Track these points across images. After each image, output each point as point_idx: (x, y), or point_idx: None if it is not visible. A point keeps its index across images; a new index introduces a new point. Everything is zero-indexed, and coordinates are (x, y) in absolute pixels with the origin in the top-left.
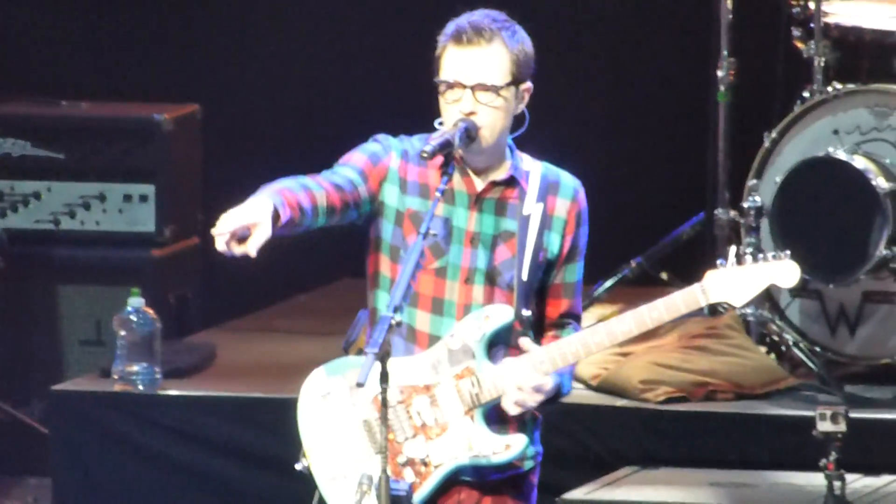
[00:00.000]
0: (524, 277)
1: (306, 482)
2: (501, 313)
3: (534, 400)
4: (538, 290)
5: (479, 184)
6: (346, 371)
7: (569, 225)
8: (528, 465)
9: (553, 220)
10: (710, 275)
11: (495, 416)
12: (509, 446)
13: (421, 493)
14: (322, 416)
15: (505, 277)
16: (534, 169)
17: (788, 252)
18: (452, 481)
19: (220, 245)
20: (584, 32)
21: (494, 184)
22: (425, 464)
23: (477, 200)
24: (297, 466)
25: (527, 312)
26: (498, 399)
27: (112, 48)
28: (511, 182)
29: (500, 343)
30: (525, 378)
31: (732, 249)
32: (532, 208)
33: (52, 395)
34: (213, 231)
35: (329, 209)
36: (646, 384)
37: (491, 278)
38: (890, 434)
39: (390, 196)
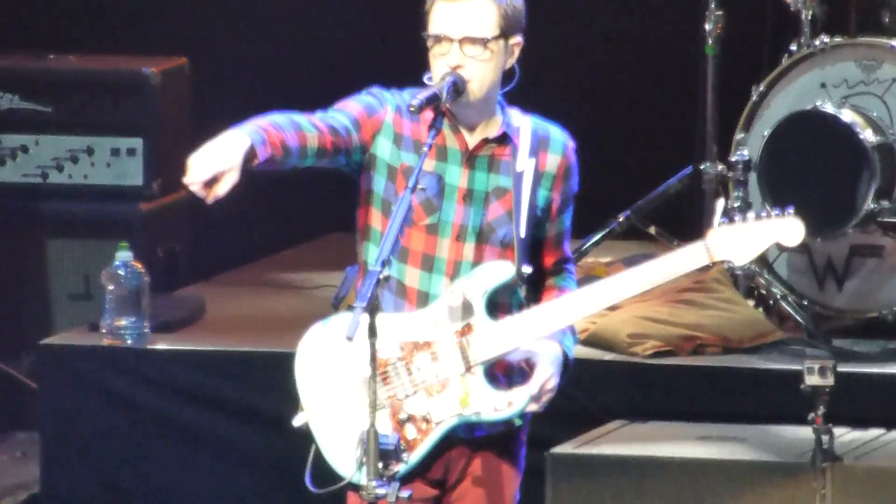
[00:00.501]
0: (522, 234)
1: (297, 436)
2: (503, 270)
3: (550, 393)
4: (533, 245)
5: (472, 140)
6: (345, 327)
7: (557, 180)
8: (518, 422)
9: (543, 176)
10: (713, 232)
11: (496, 373)
12: (511, 403)
13: (422, 449)
14: (320, 373)
15: (498, 234)
16: (524, 124)
17: (792, 209)
18: (452, 437)
19: (196, 189)
20: None
21: (486, 141)
22: (426, 420)
23: (469, 157)
24: (295, 422)
25: (527, 269)
26: (499, 355)
27: (100, 1)
28: (503, 139)
29: (500, 299)
30: (535, 384)
31: (723, 205)
32: (525, 164)
33: (41, 349)
34: (185, 180)
35: (319, 150)
36: (633, 338)
37: (483, 235)
38: (877, 388)
39: (383, 149)
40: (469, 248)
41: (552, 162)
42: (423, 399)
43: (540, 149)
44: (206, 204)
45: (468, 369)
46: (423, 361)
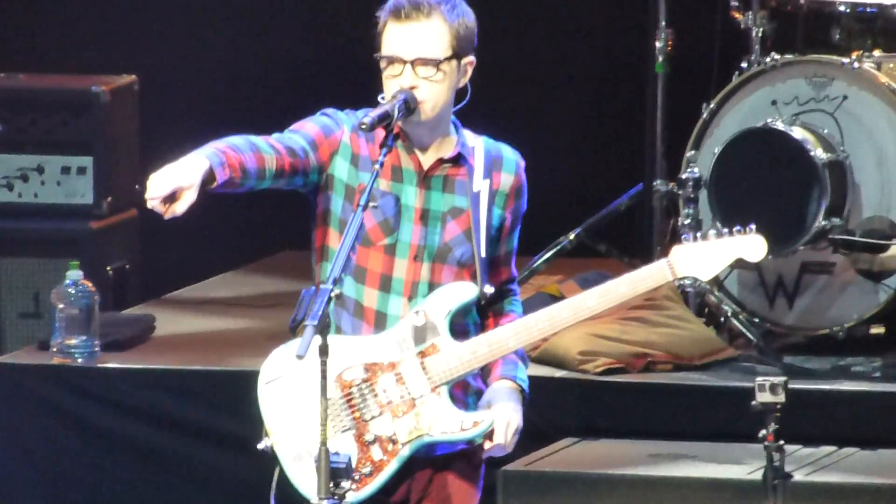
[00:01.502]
0: (483, 254)
1: (253, 457)
2: (466, 290)
3: (516, 435)
4: (489, 264)
5: (426, 160)
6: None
7: (510, 198)
8: (479, 440)
9: (497, 195)
10: (676, 249)
11: (459, 393)
12: (477, 423)
13: (389, 470)
14: (284, 397)
15: (455, 254)
16: (477, 144)
17: (754, 226)
18: (416, 457)
19: (150, 205)
20: (522, 4)
21: (442, 161)
22: (393, 441)
23: (425, 178)
24: (260, 446)
25: (489, 289)
26: (462, 375)
27: (49, 19)
28: (458, 159)
29: (462, 320)
30: (499, 433)
31: (677, 224)
32: (480, 185)
33: None
34: (145, 195)
35: (277, 172)
36: (585, 355)
37: (440, 255)
38: (829, 405)
39: (341, 170)
40: (426, 269)
41: (505, 181)
42: (389, 420)
43: (493, 169)
44: (160, 220)
45: (433, 390)
46: (388, 383)
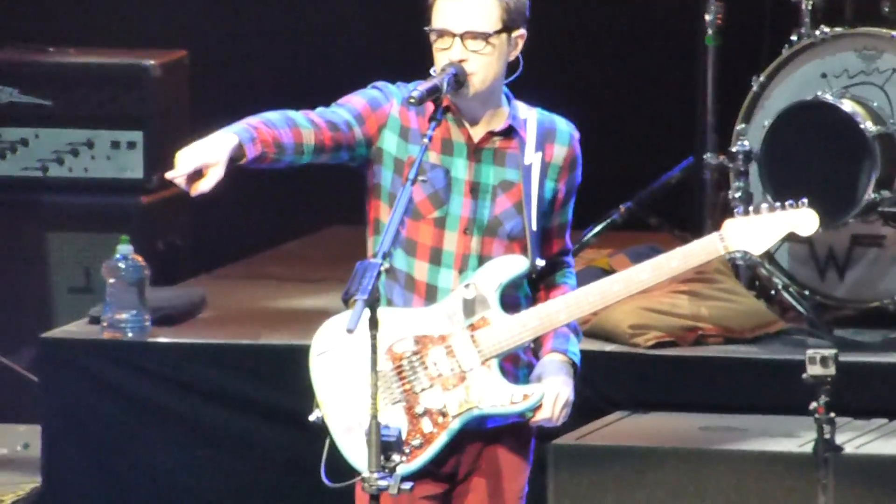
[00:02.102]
0: (534, 227)
1: (301, 428)
2: (517, 263)
3: (567, 408)
4: (541, 237)
5: (477, 134)
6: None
7: (563, 171)
8: (529, 414)
9: (550, 167)
10: (728, 223)
11: (509, 366)
12: (527, 396)
13: (439, 443)
14: (335, 369)
15: (505, 227)
16: (530, 117)
17: (805, 200)
18: (466, 430)
19: (180, 182)
20: None
21: (492, 133)
22: (443, 414)
23: (475, 150)
24: (311, 417)
25: (540, 262)
26: (513, 349)
27: None
28: (509, 132)
29: (513, 293)
30: (547, 407)
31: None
32: (532, 157)
33: (42, 343)
34: (168, 174)
35: (317, 147)
36: (635, 329)
37: (490, 229)
38: (879, 377)
39: (390, 143)
40: (476, 242)
41: (559, 153)
42: (440, 393)
43: (546, 141)
44: (210, 194)
45: (483, 363)
46: (438, 355)
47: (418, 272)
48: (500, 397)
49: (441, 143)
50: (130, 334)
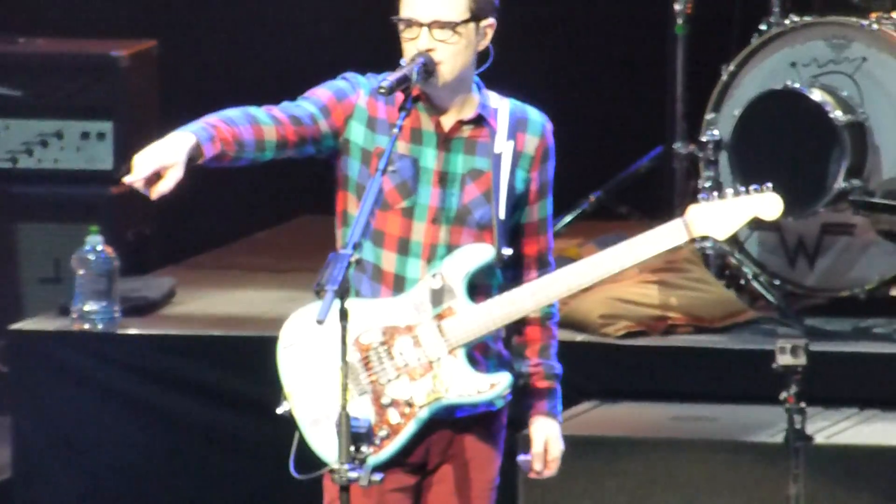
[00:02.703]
0: (501, 216)
1: (270, 419)
2: (483, 252)
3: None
4: (512, 229)
5: (447, 123)
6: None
7: (535, 161)
8: (500, 403)
9: (521, 157)
10: (692, 209)
11: (475, 354)
12: (494, 385)
13: (405, 433)
14: (302, 360)
15: (474, 216)
16: (501, 106)
17: (770, 185)
18: (434, 420)
19: (139, 186)
20: None
21: (462, 123)
22: (409, 404)
23: (445, 140)
24: (279, 410)
25: (507, 251)
26: (480, 337)
27: None
28: (479, 121)
29: (480, 282)
30: (538, 461)
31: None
32: (503, 146)
33: (11, 334)
34: (126, 178)
35: (279, 143)
36: (605, 319)
37: (459, 217)
38: (850, 366)
39: (356, 134)
40: (445, 231)
41: (531, 143)
42: (406, 383)
43: (518, 130)
44: (180, 185)
45: (450, 352)
46: (404, 346)
47: (386, 263)
48: (466, 386)
49: (410, 132)
50: (100, 325)
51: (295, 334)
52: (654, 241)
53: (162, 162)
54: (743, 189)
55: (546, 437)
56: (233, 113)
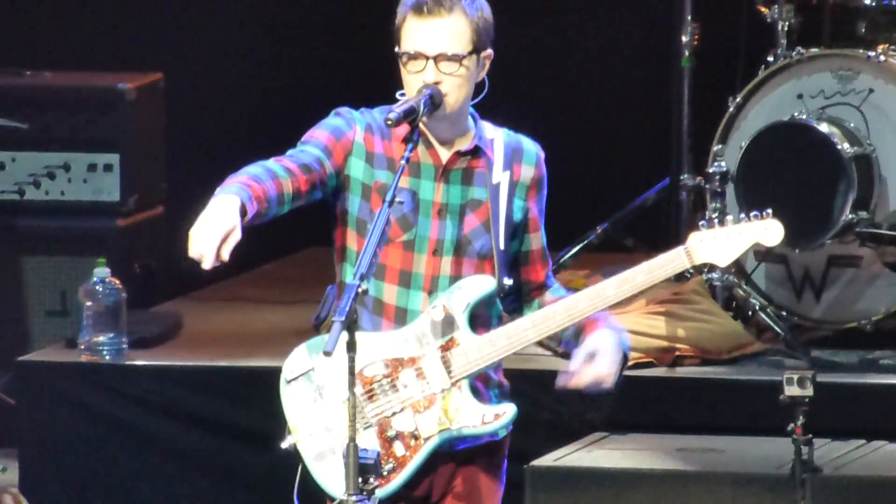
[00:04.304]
0: (501, 246)
1: (276, 452)
2: (484, 283)
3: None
4: (511, 258)
5: (445, 155)
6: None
7: (532, 189)
8: (503, 433)
9: (518, 186)
10: (693, 236)
11: (480, 386)
12: (499, 415)
13: (412, 466)
14: (306, 395)
15: (475, 247)
16: (497, 136)
17: (770, 210)
18: (438, 452)
19: (207, 266)
20: None
21: (460, 154)
22: (415, 437)
23: (444, 172)
24: (283, 445)
25: (508, 281)
26: (483, 368)
27: (75, 17)
28: (476, 152)
29: (479, 312)
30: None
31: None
32: (500, 176)
33: (18, 366)
34: (192, 254)
35: (295, 195)
36: None
37: (460, 248)
38: (857, 398)
39: (356, 169)
40: (447, 262)
41: (526, 172)
42: (411, 415)
43: (514, 160)
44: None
45: (454, 384)
46: (408, 378)
47: (387, 296)
48: (471, 417)
49: (409, 166)
50: (108, 357)
51: (298, 368)
52: (656, 269)
53: (224, 232)
54: (744, 216)
55: (597, 345)
56: (255, 170)
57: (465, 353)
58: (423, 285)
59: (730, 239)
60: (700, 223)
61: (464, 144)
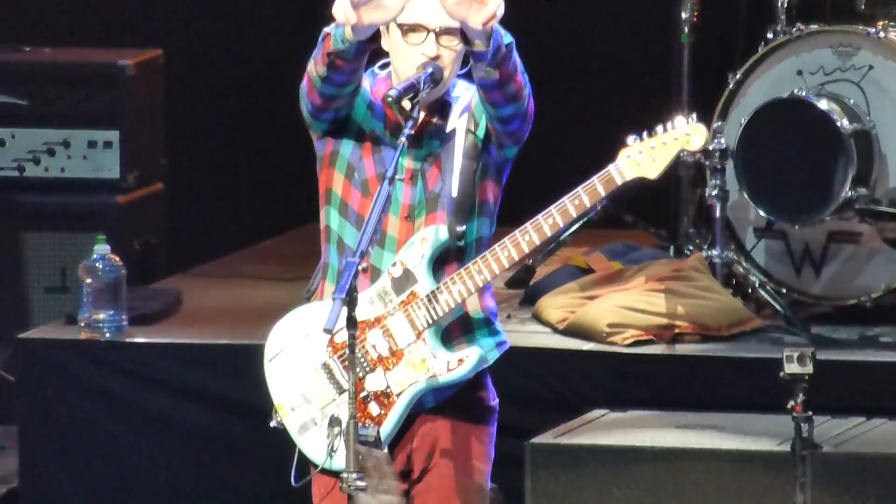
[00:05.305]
0: (454, 193)
1: (276, 432)
2: (436, 233)
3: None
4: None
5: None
6: (303, 321)
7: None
8: (493, 356)
9: (475, 111)
10: (622, 153)
11: (447, 335)
12: (462, 360)
13: (388, 424)
14: (285, 370)
15: (442, 200)
16: (465, 94)
17: (694, 114)
18: (415, 413)
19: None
20: None
21: (429, 118)
22: (387, 395)
23: (417, 138)
24: (272, 424)
25: (460, 228)
26: (446, 316)
27: None
28: (442, 108)
29: (449, 263)
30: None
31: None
32: (455, 122)
33: (18, 343)
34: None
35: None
36: (613, 327)
37: (430, 206)
38: (857, 375)
39: (358, 112)
40: (419, 224)
41: (475, 97)
42: (382, 374)
43: (464, 101)
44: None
45: (418, 336)
46: (376, 338)
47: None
48: (437, 367)
49: (394, 126)
50: (108, 334)
51: (278, 346)
52: (591, 191)
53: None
54: (670, 124)
55: None
56: None
57: (425, 304)
58: (395, 249)
59: (655, 150)
60: (628, 138)
61: (434, 107)
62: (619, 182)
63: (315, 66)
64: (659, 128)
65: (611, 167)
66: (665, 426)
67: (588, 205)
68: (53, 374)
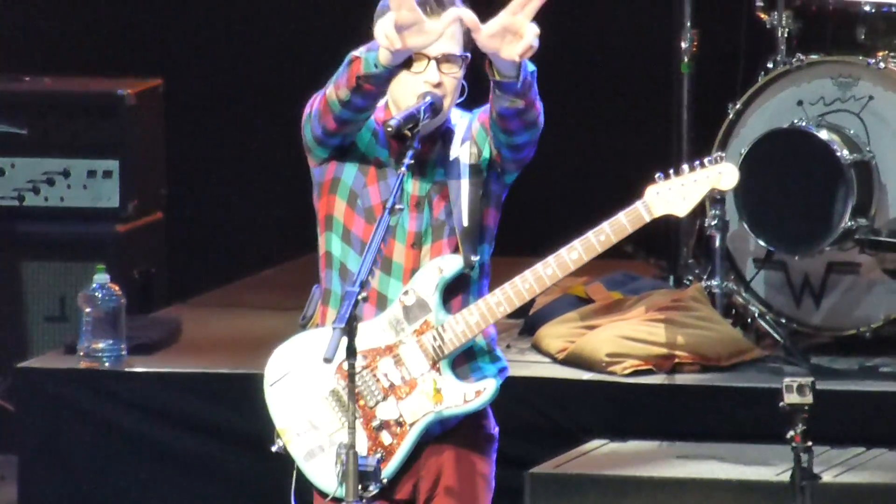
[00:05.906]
0: (465, 222)
1: (277, 459)
2: (451, 262)
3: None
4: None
5: (422, 149)
6: (306, 347)
7: (487, 129)
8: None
9: (477, 136)
10: (650, 189)
11: (460, 366)
12: (480, 392)
13: (400, 453)
14: (289, 395)
15: (447, 228)
16: (461, 121)
17: (723, 154)
18: (423, 443)
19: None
20: (547, 3)
21: (430, 145)
22: (400, 424)
23: (420, 165)
24: (273, 448)
25: (475, 257)
26: (460, 347)
27: (74, 22)
28: (444, 135)
29: (458, 293)
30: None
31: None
32: (458, 150)
33: (17, 372)
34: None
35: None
36: (612, 357)
37: (434, 234)
38: (856, 405)
39: (362, 139)
40: (426, 253)
41: (475, 124)
42: (394, 403)
43: (470, 128)
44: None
45: (433, 366)
46: (387, 366)
47: (371, 279)
48: (453, 397)
49: (397, 155)
50: (107, 363)
51: (280, 370)
52: (617, 227)
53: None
54: (698, 162)
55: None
56: None
57: (440, 335)
58: (402, 277)
59: (685, 188)
60: (656, 175)
61: (435, 136)
62: (647, 219)
63: (336, 90)
64: (685, 167)
65: (638, 204)
66: (665, 456)
67: (615, 241)
68: (52, 404)
